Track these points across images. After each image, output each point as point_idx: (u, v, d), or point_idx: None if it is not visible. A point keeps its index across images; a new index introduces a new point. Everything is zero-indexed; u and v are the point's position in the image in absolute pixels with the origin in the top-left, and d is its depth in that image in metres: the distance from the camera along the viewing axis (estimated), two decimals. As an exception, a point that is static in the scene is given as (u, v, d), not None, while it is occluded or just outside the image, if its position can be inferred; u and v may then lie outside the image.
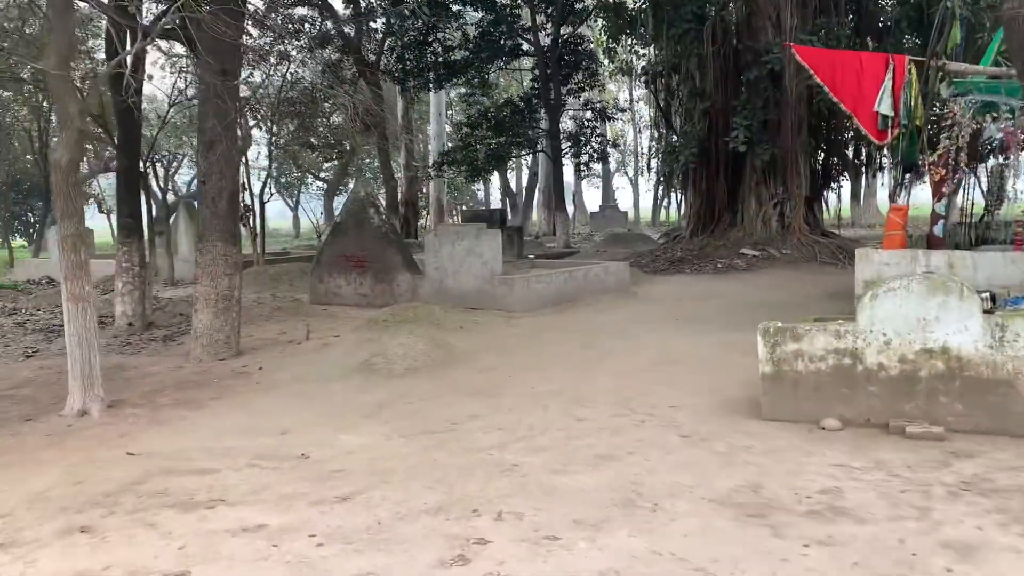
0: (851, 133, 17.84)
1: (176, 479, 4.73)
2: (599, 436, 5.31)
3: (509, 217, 39.88)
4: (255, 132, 16.54)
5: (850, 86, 9.20)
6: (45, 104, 22.61)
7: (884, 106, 9.03)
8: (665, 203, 51.01)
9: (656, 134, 20.95)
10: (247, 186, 15.30)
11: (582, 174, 28.31)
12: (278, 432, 5.69)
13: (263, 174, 18.05)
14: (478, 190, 53.26)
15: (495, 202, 49.42)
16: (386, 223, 11.99)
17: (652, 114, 23.83)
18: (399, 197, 26.53)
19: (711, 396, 6.26)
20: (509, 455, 4.96)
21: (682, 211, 23.46)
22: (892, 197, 9.88)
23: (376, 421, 5.89)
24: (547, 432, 5.44)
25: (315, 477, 4.71)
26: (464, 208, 36.47)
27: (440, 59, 24.52)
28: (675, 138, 19.21)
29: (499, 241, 11.06)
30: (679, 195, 49.05)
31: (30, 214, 32.22)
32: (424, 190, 32.31)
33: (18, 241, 35.83)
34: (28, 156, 26.26)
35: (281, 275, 14.46)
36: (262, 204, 15.65)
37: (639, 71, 22.00)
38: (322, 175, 34.93)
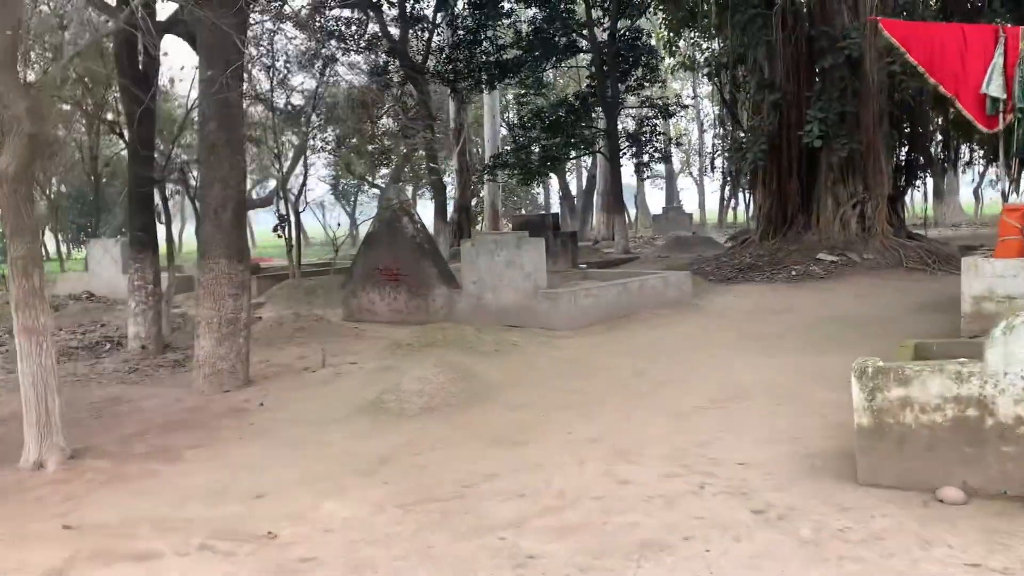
0: (938, 124, 16.12)
1: (102, 570, 3.73)
2: (646, 510, 4.13)
3: (568, 221, 38.69)
4: (291, 138, 15.68)
5: (951, 64, 7.78)
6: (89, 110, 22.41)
7: (994, 87, 7.59)
8: (732, 204, 49.18)
9: (721, 131, 19.50)
10: (281, 194, 14.51)
11: (643, 175, 26.93)
12: (252, 496, 4.65)
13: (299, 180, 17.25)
14: (537, 194, 52.29)
15: (556, 207, 48.30)
16: (420, 232, 10.96)
17: (717, 110, 22.34)
18: (452, 203, 25.66)
19: (790, 447, 5.01)
20: (526, 540, 3.82)
21: (750, 212, 21.90)
22: (1004, 196, 8.39)
23: (372, 481, 4.81)
24: (579, 502, 4.28)
25: (274, 570, 3.65)
26: (518, 213, 35.41)
27: (491, 59, 23.53)
28: (742, 134, 17.74)
29: (542, 251, 9.92)
30: (746, 196, 47.20)
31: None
32: (479, 195, 31.41)
33: (82, 252, 36.20)
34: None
35: (316, 289, 13.59)
36: (297, 213, 14.83)
37: (702, 64, 20.58)
38: (376, 181, 34.27)
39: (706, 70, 18.58)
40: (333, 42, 22.25)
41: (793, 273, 14.65)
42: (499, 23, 23.70)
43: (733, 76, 17.71)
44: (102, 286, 17.01)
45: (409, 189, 39.61)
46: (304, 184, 15.17)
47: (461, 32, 23.05)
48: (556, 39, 23.71)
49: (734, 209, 51.67)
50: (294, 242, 14.36)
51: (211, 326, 7.61)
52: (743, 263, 15.88)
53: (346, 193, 43.61)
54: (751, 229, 21.02)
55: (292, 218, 14.32)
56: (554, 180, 45.43)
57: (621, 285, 10.51)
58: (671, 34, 22.75)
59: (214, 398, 7.26)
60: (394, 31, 21.62)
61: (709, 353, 8.18)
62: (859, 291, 12.71)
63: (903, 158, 17.41)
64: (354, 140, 23.52)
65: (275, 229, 14.31)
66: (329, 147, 24.62)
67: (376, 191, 33.90)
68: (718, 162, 25.67)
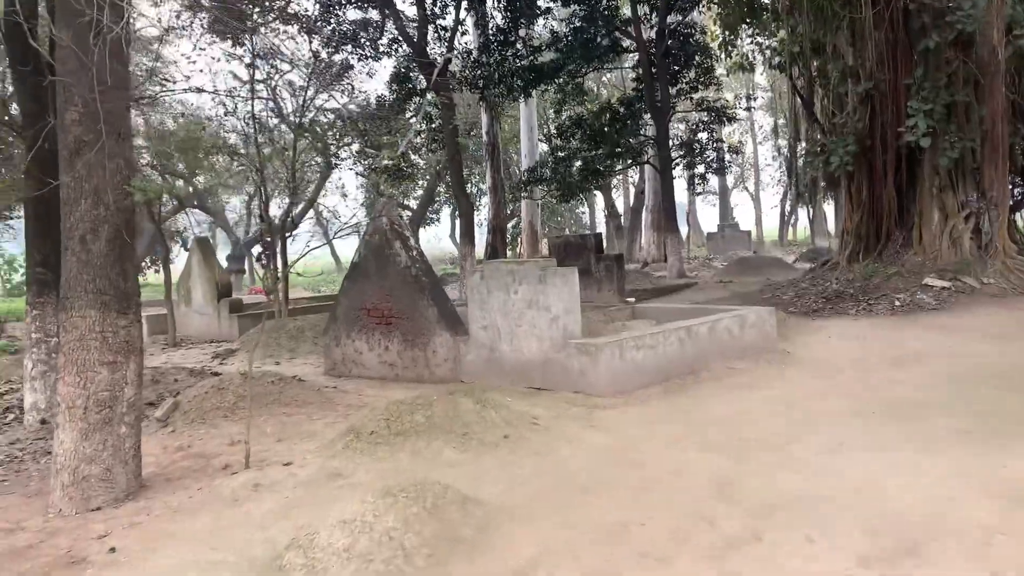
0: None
1: None
2: None
3: (614, 242, 35.83)
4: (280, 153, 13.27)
5: None
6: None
7: None
8: (793, 220, 45.82)
9: (791, 133, 16.60)
10: (264, 216, 12.08)
11: (696, 189, 24.07)
12: None
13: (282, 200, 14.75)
14: (582, 213, 49.67)
15: (602, 226, 45.48)
16: (417, 261, 8.36)
17: (786, 111, 19.43)
18: (486, 224, 23.14)
19: None
20: None
21: (834, 228, 18.90)
22: None
23: None
24: None
25: None
26: (557, 234, 32.75)
27: (525, 63, 21.01)
28: (820, 136, 14.84)
29: (574, 285, 7.23)
30: (810, 210, 43.84)
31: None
32: (518, 215, 28.87)
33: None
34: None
35: (304, 331, 11.08)
36: (283, 239, 12.38)
37: (769, 56, 17.73)
38: (407, 202, 31.97)
39: (776, 60, 15.73)
40: (348, 47, 20.01)
41: (896, 303, 11.71)
42: (533, 23, 21.20)
43: (808, 67, 14.84)
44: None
45: (444, 210, 37.27)
46: (292, 205, 12.69)
47: (491, 33, 20.58)
48: (598, 39, 21.12)
49: (793, 225, 48.31)
50: (280, 274, 11.92)
51: (73, 412, 5.09)
52: (829, 290, 12.96)
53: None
54: (832, 249, 18.05)
55: (278, 246, 11.89)
56: (600, 197, 42.74)
57: (684, 330, 7.75)
58: (727, 32, 19.95)
59: (66, 524, 4.72)
60: (417, 33, 19.23)
61: (825, 441, 5.38)
62: (993, 328, 9.73)
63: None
64: (378, 156, 21.22)
65: (258, 258, 11.89)
66: (357, 164, 22.40)
67: (407, 211, 31.61)
68: (780, 171, 22.66)
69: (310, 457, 5.47)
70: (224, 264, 32.84)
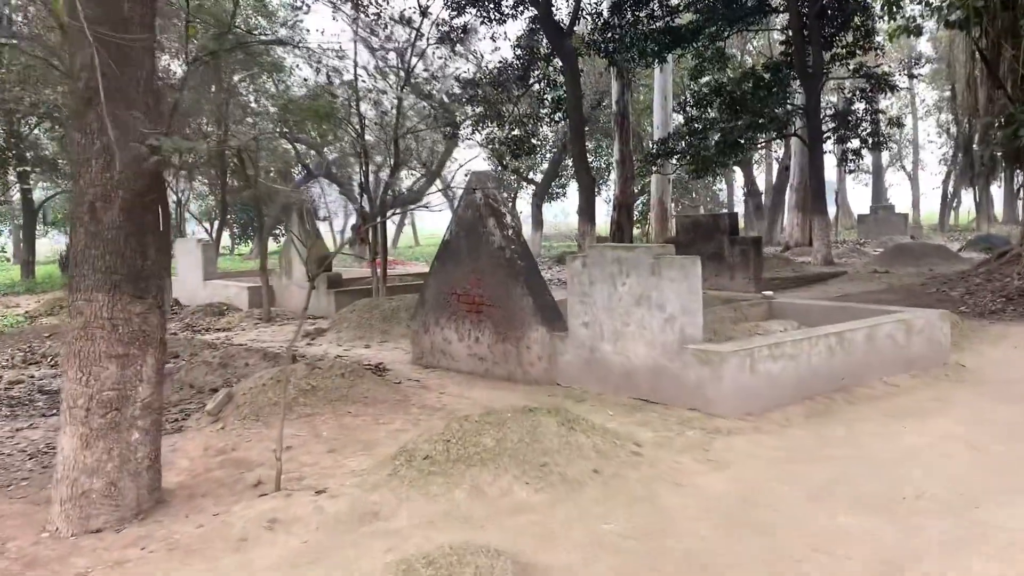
0: None
1: None
2: None
3: (754, 223, 33.46)
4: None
5: None
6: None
7: None
8: (955, 203, 41.70)
9: (969, 102, 14.27)
10: (365, 189, 11.22)
11: (848, 166, 21.69)
12: None
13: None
14: (719, 191, 47.16)
15: (740, 205, 42.92)
16: (512, 241, 7.21)
17: (960, 79, 16.93)
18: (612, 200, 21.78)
19: None
20: None
21: (1003, 214, 16.46)
22: None
23: None
24: None
25: None
26: (688, 213, 30.85)
27: (660, 24, 19.35)
28: (1005, 104, 12.57)
29: (695, 278, 5.87)
30: (977, 192, 39.70)
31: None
32: (648, 192, 27.23)
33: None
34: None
35: (399, 311, 10.20)
36: (383, 213, 11.49)
37: (943, 11, 15.35)
38: (530, 176, 30.84)
39: (953, 17, 13.47)
40: (471, 9, 18.99)
41: (1100, 307, 9.60)
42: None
43: (995, 22, 12.54)
44: (186, 294, 14.61)
45: (571, 184, 35.97)
46: (394, 173, 11.78)
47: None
48: (743, -1, 19.16)
49: (955, 209, 43.96)
50: (379, 248, 11.05)
51: (74, 414, 4.28)
52: (1009, 288, 10.91)
53: (506, 187, 40.52)
54: (1007, 238, 15.61)
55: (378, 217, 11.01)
56: (739, 174, 40.19)
57: (835, 336, 6.25)
58: (892, -10, 17.53)
59: (51, 551, 3.93)
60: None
61: (1038, 514, 3.88)
62: None
63: None
64: (496, 125, 20.19)
65: (355, 229, 11.11)
66: (475, 134, 21.46)
67: (531, 185, 30.44)
68: (949, 146, 19.99)
69: (349, 484, 4.45)
70: (347, 235, 33.02)
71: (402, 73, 12.13)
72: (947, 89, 36.49)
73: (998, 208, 38.51)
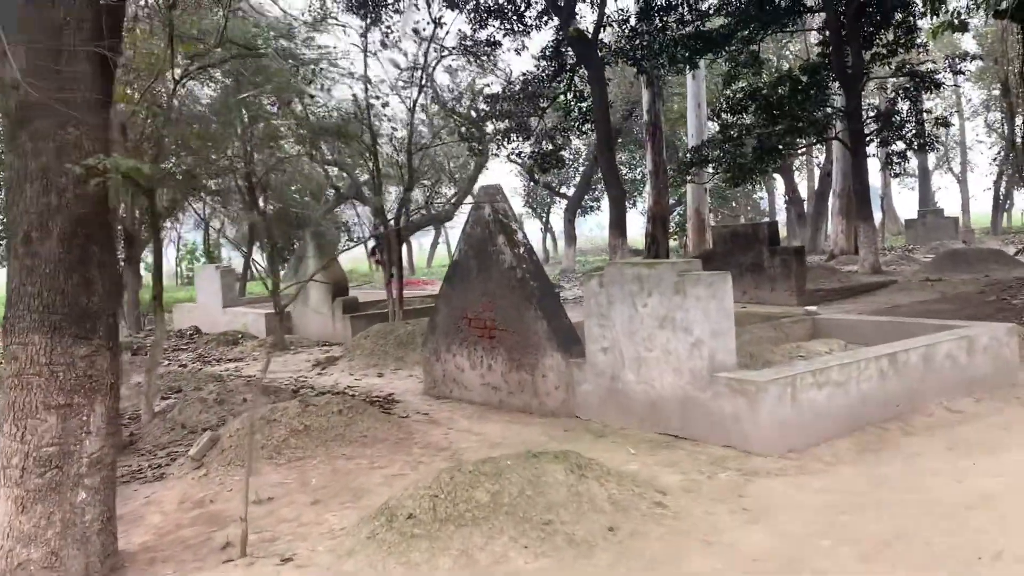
0: None
1: None
2: None
3: (796, 231, 32.39)
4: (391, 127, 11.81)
5: None
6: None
7: None
8: (1008, 205, 40.07)
9: (1020, 97, 13.35)
10: (378, 207, 10.71)
11: (893, 169, 20.71)
12: None
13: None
14: (760, 199, 46.04)
15: (782, 214, 41.75)
16: (524, 260, 6.60)
17: (1011, 74, 16.02)
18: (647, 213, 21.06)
19: None
20: None
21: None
22: None
23: None
24: None
25: None
26: (725, 223, 29.92)
27: (691, 29, 18.66)
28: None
29: (725, 297, 5.20)
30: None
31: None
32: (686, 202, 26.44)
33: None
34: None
35: (416, 336, 9.63)
36: (399, 232, 10.95)
37: (991, 1, 14.44)
38: (563, 189, 30.22)
39: (1003, 5, 12.59)
40: (493, 22, 18.53)
41: None
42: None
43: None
44: (207, 321, 14.25)
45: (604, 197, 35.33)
46: (409, 190, 11.23)
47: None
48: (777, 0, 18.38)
49: (1008, 211, 42.27)
50: (394, 271, 10.51)
51: (9, 474, 3.76)
52: (1080, 294, 9.97)
53: (539, 202, 39.95)
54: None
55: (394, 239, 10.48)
56: (780, 181, 39.08)
57: (887, 358, 5.52)
58: (935, -16, 16.65)
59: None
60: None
61: None
62: None
63: None
64: (522, 139, 19.64)
65: (371, 253, 10.61)
66: (501, 148, 20.91)
67: (563, 200, 29.78)
68: (1001, 145, 18.93)
69: (322, 549, 3.86)
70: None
71: (415, 88, 11.64)
72: (995, 87, 35.10)
73: (1054, 208, 36.85)
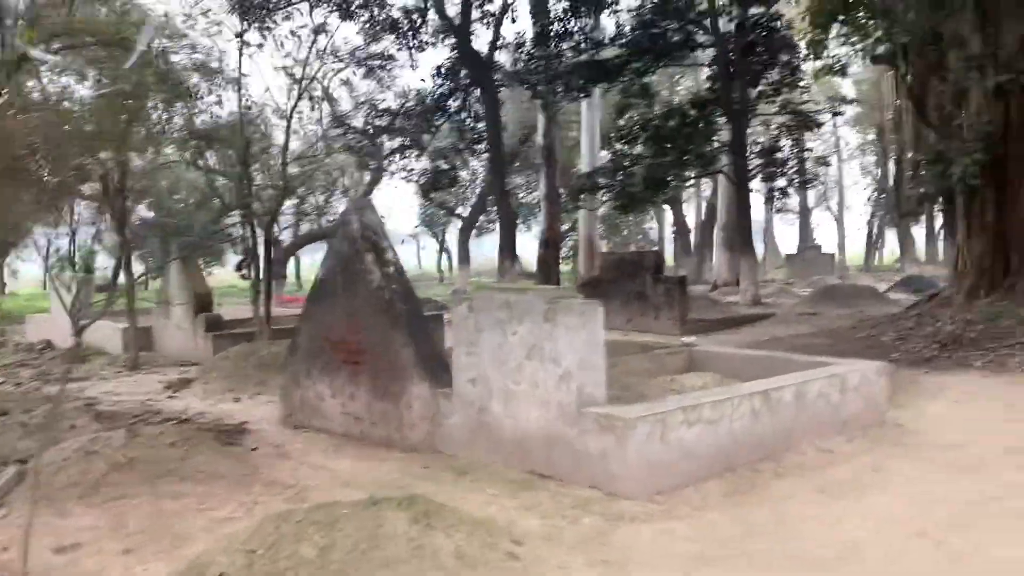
0: None
1: None
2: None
3: (683, 261, 33.12)
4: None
5: None
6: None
7: None
8: (879, 243, 42.26)
9: (897, 140, 13.91)
10: (251, 222, 10.05)
11: (775, 204, 21.39)
12: None
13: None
14: (650, 228, 46.98)
15: (671, 242, 42.69)
16: (392, 280, 6.18)
17: (886, 117, 16.72)
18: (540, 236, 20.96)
19: None
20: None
21: (942, 255, 16.11)
22: None
23: None
24: None
25: None
26: (612, 251, 30.20)
27: (585, 57, 18.78)
28: (934, 142, 12.15)
29: (596, 328, 4.93)
30: (900, 232, 40.20)
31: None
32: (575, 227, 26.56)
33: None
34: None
35: (281, 357, 8.97)
36: (268, 245, 10.31)
37: (869, 47, 15.07)
38: (459, 209, 29.92)
39: (879, 50, 13.11)
40: (388, 36, 18.12)
41: (1038, 355, 9.02)
42: (597, 12, 18.93)
43: (922, 57, 12.15)
44: (62, 335, 13.08)
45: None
46: (281, 203, 10.63)
47: (551, 22, 18.37)
48: (668, 33, 18.70)
49: (880, 250, 44.56)
50: (263, 288, 9.87)
51: None
52: (942, 333, 10.29)
53: (436, 221, 39.51)
54: (935, 280, 15.23)
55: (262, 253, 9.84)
56: (670, 212, 39.97)
57: (760, 395, 5.36)
58: (816, 30, 17.29)
59: None
60: (460, 18, 17.18)
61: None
62: None
63: None
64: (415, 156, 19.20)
65: (239, 268, 9.96)
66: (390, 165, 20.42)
67: (459, 220, 29.43)
68: (873, 187, 19.78)
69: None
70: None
71: (301, 95, 11.06)
72: (871, 132, 37.07)
73: (920, 248, 39.15)
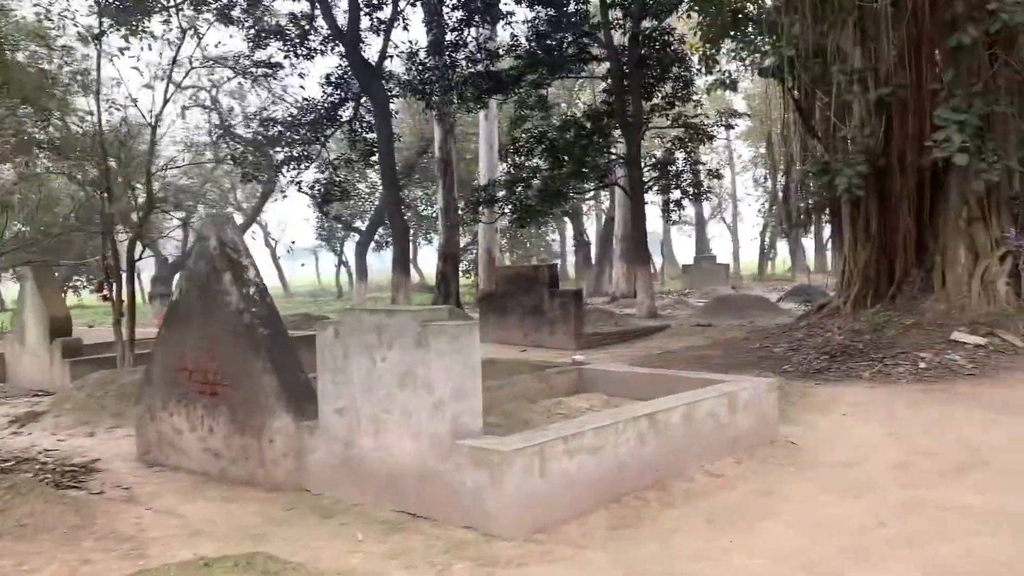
0: None
1: None
2: None
3: (584, 274, 33.25)
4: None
5: None
6: None
7: None
8: (772, 253, 43.60)
9: (785, 152, 14.16)
10: (111, 240, 9.24)
11: (671, 217, 21.63)
12: None
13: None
14: (553, 241, 47.18)
15: (573, 254, 42.91)
16: (253, 302, 5.64)
17: (776, 129, 17.05)
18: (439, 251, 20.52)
19: None
20: None
21: (831, 265, 16.52)
22: None
23: None
24: None
25: None
26: (508, 264, 30.05)
27: (480, 67, 18.51)
28: (820, 153, 12.36)
29: (472, 352, 4.55)
30: (791, 243, 41.49)
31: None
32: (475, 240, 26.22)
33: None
34: None
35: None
36: (131, 263, 9.53)
37: (757, 60, 15.32)
38: (357, 223, 29.14)
39: (767, 63, 13.28)
40: (276, 43, 17.37)
41: (921, 365, 9.16)
42: (492, 22, 18.70)
43: (807, 71, 12.33)
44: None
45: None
46: (143, 222, 9.84)
47: (438, 30, 18.00)
48: (564, 46, 18.63)
49: (772, 260, 46.01)
50: (126, 308, 9.08)
51: None
52: (832, 344, 10.38)
53: (335, 235, 38.48)
54: (826, 289, 15.54)
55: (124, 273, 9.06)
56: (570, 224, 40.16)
57: (646, 419, 5.08)
58: (708, 45, 17.54)
59: None
60: (349, 26, 16.60)
61: None
62: (1067, 408, 7.16)
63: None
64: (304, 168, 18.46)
65: (99, 288, 9.16)
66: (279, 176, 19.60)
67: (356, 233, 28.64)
68: (765, 199, 20.22)
69: None
70: (149, 287, 29.80)
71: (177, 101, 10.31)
72: (762, 145, 38.22)
73: (810, 258, 40.57)
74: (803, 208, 13.98)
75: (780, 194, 15.97)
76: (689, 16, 19.11)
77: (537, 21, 18.63)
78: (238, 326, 5.64)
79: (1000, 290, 10.32)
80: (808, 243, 41.13)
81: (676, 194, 19.77)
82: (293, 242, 30.70)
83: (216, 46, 14.77)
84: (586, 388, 7.00)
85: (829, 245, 27.26)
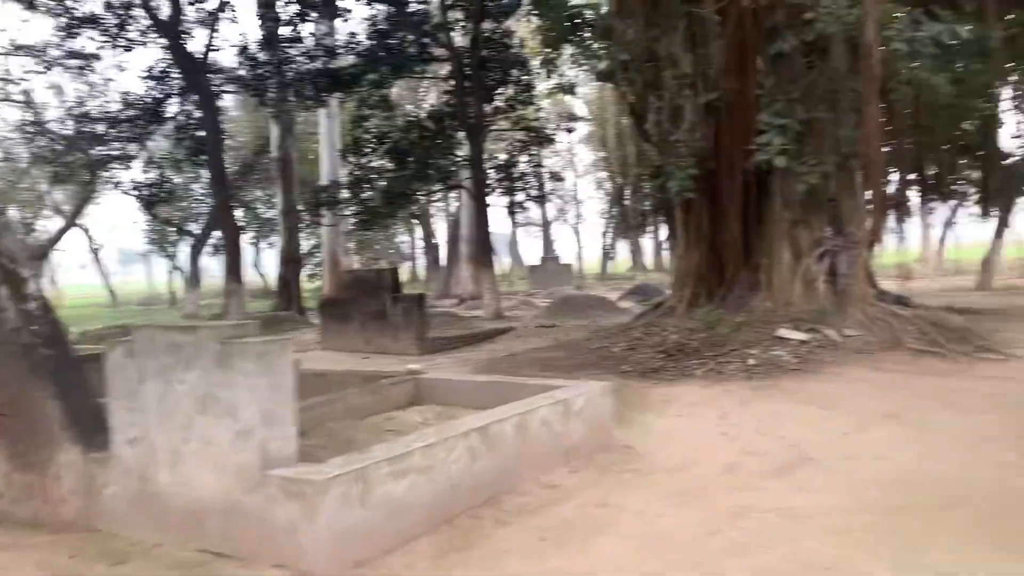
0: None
1: None
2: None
3: (434, 276, 32.95)
4: None
5: None
6: None
7: None
8: (613, 253, 44.92)
9: (621, 155, 14.39)
10: None
11: (517, 219, 21.72)
12: None
13: None
14: (403, 242, 46.55)
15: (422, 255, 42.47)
16: (34, 319, 4.95)
17: (613, 133, 17.41)
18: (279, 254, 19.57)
19: None
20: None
21: (670, 264, 16.93)
22: None
23: None
24: None
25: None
26: (349, 270, 29.32)
27: (317, 65, 17.82)
28: (653, 157, 12.62)
29: (284, 372, 4.13)
30: (631, 243, 42.91)
31: None
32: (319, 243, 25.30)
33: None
34: None
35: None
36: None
37: (592, 64, 15.53)
38: (189, 226, 27.47)
39: (602, 67, 13.48)
40: (92, 33, 15.99)
41: (751, 362, 9.46)
42: (326, 19, 18.06)
43: (640, 76, 12.57)
44: None
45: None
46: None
47: (279, 26, 17.19)
48: (404, 45, 18.27)
49: (613, 259, 47.47)
50: None
51: None
52: (667, 343, 10.57)
53: (168, 239, 36.17)
54: (661, 289, 15.98)
55: None
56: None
57: (478, 433, 4.82)
58: (548, 49, 17.67)
59: None
60: (171, 15, 15.50)
61: None
62: (882, 403, 7.54)
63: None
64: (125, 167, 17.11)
65: None
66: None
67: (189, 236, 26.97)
68: (607, 201, 20.67)
69: None
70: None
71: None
72: (602, 149, 39.30)
73: (649, 257, 42.10)
74: (640, 210, 14.29)
75: (618, 196, 16.27)
76: (529, 20, 19.21)
77: (376, 19, 18.18)
78: (16, 346, 4.93)
79: (819, 289, 10.84)
80: (647, 243, 42.70)
81: (520, 196, 19.83)
82: (140, 253, 28.56)
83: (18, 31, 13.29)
84: (422, 399, 6.69)
85: (666, 245, 28.31)
